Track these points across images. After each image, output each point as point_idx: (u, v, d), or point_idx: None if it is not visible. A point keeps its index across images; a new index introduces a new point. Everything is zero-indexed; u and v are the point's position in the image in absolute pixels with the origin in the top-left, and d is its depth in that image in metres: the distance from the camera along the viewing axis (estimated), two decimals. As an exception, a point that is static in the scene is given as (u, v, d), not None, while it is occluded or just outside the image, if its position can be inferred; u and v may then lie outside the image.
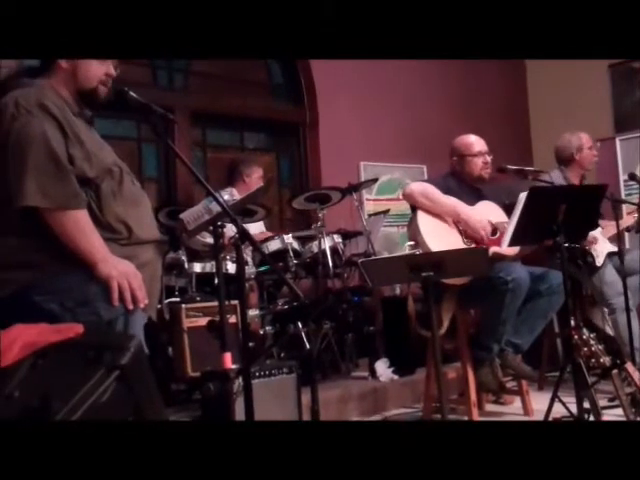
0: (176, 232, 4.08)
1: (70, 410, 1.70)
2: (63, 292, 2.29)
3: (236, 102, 5.87)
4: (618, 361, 3.29)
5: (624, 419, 3.28)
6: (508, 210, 3.86)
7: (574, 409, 3.12)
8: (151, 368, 2.07)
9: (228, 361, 2.61)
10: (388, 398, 4.63)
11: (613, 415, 3.61)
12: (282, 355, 4.57)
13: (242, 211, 4.32)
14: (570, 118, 6.61)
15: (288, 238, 4.76)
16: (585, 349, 3.22)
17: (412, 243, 4.10)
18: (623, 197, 6.42)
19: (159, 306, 3.81)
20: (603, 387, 3.73)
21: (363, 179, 6.01)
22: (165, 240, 2.67)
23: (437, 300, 3.68)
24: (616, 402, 3.44)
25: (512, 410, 4.39)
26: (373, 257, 4.59)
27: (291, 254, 4.70)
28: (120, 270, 2.31)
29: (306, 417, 3.48)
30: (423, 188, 4.04)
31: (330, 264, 4.69)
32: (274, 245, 4.74)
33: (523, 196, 3.32)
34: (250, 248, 4.45)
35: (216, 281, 2.88)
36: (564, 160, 4.87)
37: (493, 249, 3.80)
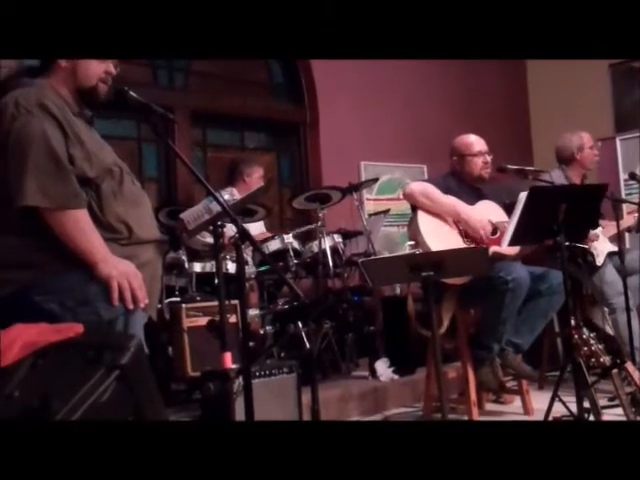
0: (176, 232, 4.08)
1: (70, 410, 1.70)
2: (63, 292, 2.29)
3: (236, 102, 5.87)
4: (618, 360, 3.29)
5: (624, 419, 3.27)
6: (508, 210, 3.87)
7: (574, 408, 3.13)
8: (151, 368, 2.07)
9: (228, 361, 2.62)
10: (388, 398, 4.63)
11: (613, 414, 3.60)
12: (282, 355, 4.57)
13: (242, 211, 4.32)
14: (570, 118, 6.60)
15: (288, 238, 4.76)
16: (585, 349, 3.22)
17: (412, 243, 4.10)
18: (623, 197, 6.42)
19: (159, 306, 3.81)
20: (603, 386, 3.72)
21: (363, 179, 6.01)
22: (165, 240, 2.67)
23: (437, 300, 3.68)
24: (616, 402, 3.44)
25: (512, 409, 4.39)
26: (373, 257, 4.59)
27: (291, 254, 4.69)
28: (120, 270, 2.31)
29: (306, 417, 3.48)
30: (423, 188, 4.04)
31: (330, 264, 4.70)
32: (274, 245, 4.74)
33: (523, 196, 3.33)
34: (250, 248, 4.45)
35: (216, 281, 2.88)
36: (565, 159, 4.87)
37: (493, 249, 3.80)
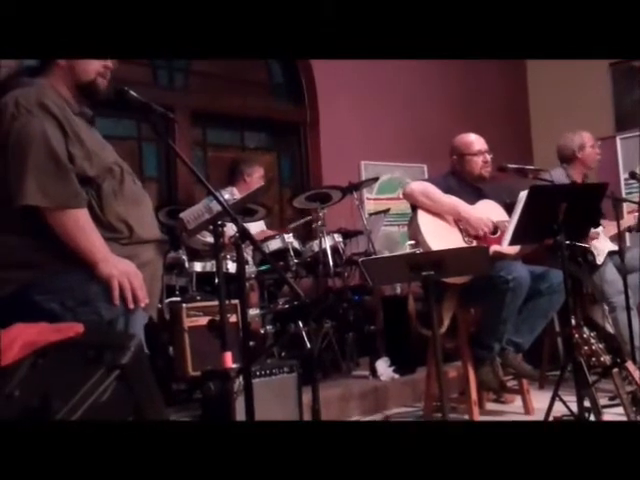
0: (176, 231, 4.08)
1: (70, 409, 1.70)
2: (64, 291, 2.29)
3: (237, 101, 5.87)
4: (619, 360, 3.29)
5: (625, 418, 3.27)
6: (509, 209, 3.87)
7: (575, 408, 3.12)
8: (151, 367, 2.08)
9: (229, 360, 2.61)
10: (389, 397, 4.63)
11: (614, 414, 3.61)
12: (283, 354, 4.57)
13: (242, 210, 4.32)
14: (571, 117, 6.61)
15: (289, 237, 4.76)
16: (586, 348, 3.22)
17: (412, 242, 4.10)
18: (624, 196, 6.42)
19: (160, 306, 3.81)
20: (604, 386, 3.72)
21: (364, 178, 6.02)
22: (166, 240, 2.67)
23: (438, 299, 3.68)
24: (617, 401, 3.44)
25: (513, 409, 4.38)
26: (374, 256, 4.59)
27: (292, 253, 4.69)
28: (121, 269, 2.31)
29: (307, 416, 3.48)
30: (423, 187, 4.04)
31: (331, 263, 4.69)
32: (274, 244, 4.74)
33: (523, 195, 3.32)
34: (250, 247, 4.45)
35: (216, 280, 2.88)
36: (566, 159, 4.88)
37: (494, 248, 3.80)
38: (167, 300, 4.24)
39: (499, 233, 3.96)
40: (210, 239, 3.41)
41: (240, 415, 2.66)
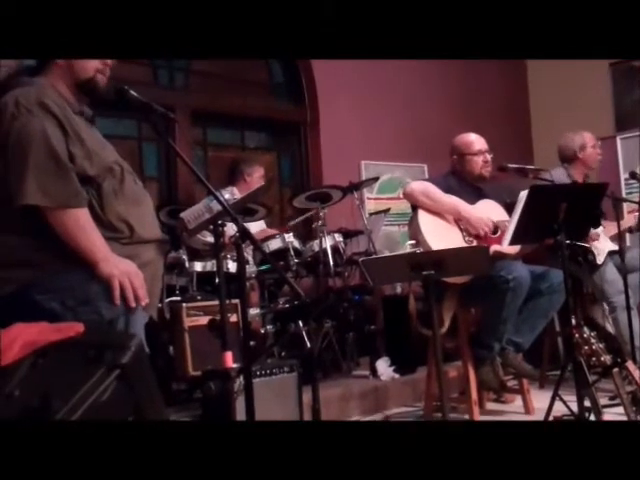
0: (177, 231, 4.08)
1: (70, 409, 1.70)
2: (64, 291, 2.29)
3: (237, 101, 5.87)
4: (619, 359, 3.29)
5: (625, 418, 3.27)
6: (509, 209, 3.87)
7: (575, 407, 3.13)
8: (152, 367, 2.07)
9: (229, 360, 2.61)
10: (389, 397, 4.63)
11: (614, 414, 3.61)
12: (283, 354, 4.57)
13: (243, 210, 4.32)
14: (571, 117, 6.61)
15: (289, 237, 4.77)
16: (586, 348, 3.22)
17: (413, 242, 4.09)
18: (624, 196, 6.42)
19: (160, 305, 3.81)
20: (604, 385, 3.72)
21: (364, 178, 6.02)
22: (167, 239, 2.67)
23: (438, 299, 3.68)
24: (617, 401, 3.44)
25: (513, 409, 4.39)
26: (374, 256, 4.60)
27: (292, 253, 4.70)
28: (122, 269, 2.31)
29: (307, 416, 3.48)
30: (424, 187, 4.04)
31: (331, 263, 4.70)
32: (275, 244, 4.74)
33: (524, 195, 3.32)
34: (251, 247, 4.45)
35: (217, 280, 2.87)
36: (568, 159, 4.88)
37: (494, 248, 3.80)
38: (167, 300, 4.24)
39: (499, 233, 3.96)
40: (210, 239, 3.41)
41: (240, 415, 2.66)
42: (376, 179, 5.76)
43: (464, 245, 3.92)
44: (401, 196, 4.64)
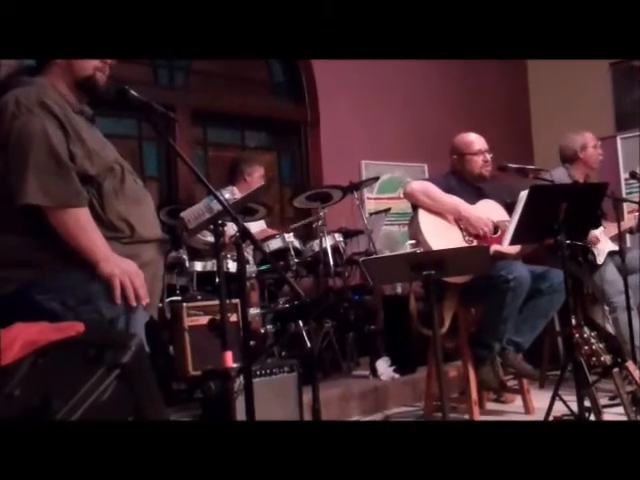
0: (177, 231, 4.08)
1: (70, 409, 1.70)
2: (64, 290, 2.29)
3: (237, 101, 5.87)
4: (619, 359, 3.29)
5: (625, 418, 3.27)
6: (509, 209, 3.87)
7: (575, 407, 3.13)
8: (152, 367, 2.07)
9: (229, 360, 2.61)
10: (389, 397, 4.63)
11: (614, 414, 3.61)
12: (283, 354, 4.57)
13: (243, 210, 4.32)
14: (571, 117, 6.61)
15: (289, 237, 4.77)
16: (586, 348, 3.22)
17: (413, 242, 4.10)
18: (624, 196, 6.42)
19: (160, 305, 3.81)
20: (604, 386, 3.72)
21: (364, 178, 6.02)
22: (167, 239, 2.67)
23: (438, 299, 3.68)
24: (617, 401, 3.44)
25: (513, 408, 4.39)
26: (374, 256, 4.59)
27: (292, 253, 4.70)
28: (122, 268, 2.30)
29: (307, 416, 3.48)
30: (424, 187, 4.04)
31: (331, 263, 4.70)
32: (275, 244, 4.74)
33: (524, 194, 3.32)
34: (251, 247, 4.45)
35: (217, 280, 2.87)
36: (568, 159, 4.87)
37: (494, 247, 3.80)
38: (168, 299, 4.24)
39: (499, 233, 3.96)
40: (211, 238, 3.41)
41: (240, 415, 2.66)
42: (376, 179, 5.76)
43: (464, 245, 3.92)
44: (401, 196, 4.64)
